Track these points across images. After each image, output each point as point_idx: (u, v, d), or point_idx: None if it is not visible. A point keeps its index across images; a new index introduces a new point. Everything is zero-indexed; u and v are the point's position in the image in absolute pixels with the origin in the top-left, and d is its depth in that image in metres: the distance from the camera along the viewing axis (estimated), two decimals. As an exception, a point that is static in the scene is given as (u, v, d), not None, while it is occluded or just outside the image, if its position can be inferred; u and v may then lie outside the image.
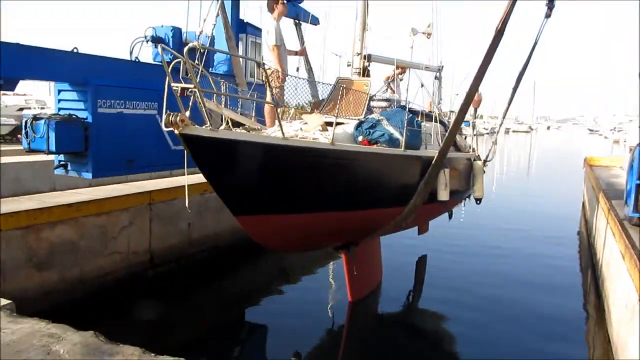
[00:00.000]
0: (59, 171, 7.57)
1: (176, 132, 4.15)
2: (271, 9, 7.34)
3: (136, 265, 8.00)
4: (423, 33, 9.74)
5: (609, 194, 9.57)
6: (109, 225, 7.54)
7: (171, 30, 8.60)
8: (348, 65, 8.36)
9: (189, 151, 4.36)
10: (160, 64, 8.34)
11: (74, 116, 7.15)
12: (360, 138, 6.02)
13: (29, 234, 6.43)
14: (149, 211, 8.23)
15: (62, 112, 7.32)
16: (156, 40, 8.48)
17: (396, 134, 6.08)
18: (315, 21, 9.02)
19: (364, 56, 8.27)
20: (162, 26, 8.67)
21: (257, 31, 10.72)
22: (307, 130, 5.96)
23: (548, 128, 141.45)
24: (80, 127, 7.14)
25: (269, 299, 8.47)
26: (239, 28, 10.18)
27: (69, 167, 7.50)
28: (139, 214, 8.07)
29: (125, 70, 7.94)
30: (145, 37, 8.51)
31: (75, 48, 7.26)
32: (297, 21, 9.63)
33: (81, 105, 7.28)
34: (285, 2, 7.24)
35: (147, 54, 8.76)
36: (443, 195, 6.69)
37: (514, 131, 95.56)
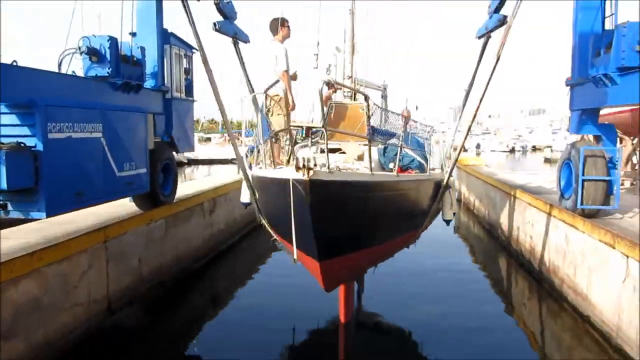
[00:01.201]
0: (-5, 213, 6.09)
1: (305, 177, 3.89)
2: (275, 31, 6.88)
3: (96, 315, 6.79)
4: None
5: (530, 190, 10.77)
6: (70, 273, 6.28)
7: (107, 41, 7.46)
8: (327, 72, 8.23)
9: (309, 196, 4.05)
10: (98, 79, 7.29)
11: (21, 144, 5.82)
12: (391, 165, 5.90)
13: (-8, 297, 5.08)
14: (104, 250, 7.05)
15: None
16: (92, 52, 7.31)
17: (418, 158, 6.12)
18: (247, 39, 8.56)
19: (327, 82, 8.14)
20: (94, 36, 7.48)
21: (180, 43, 9.86)
22: (346, 161, 5.71)
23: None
24: (30, 158, 5.84)
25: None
26: (163, 38, 9.22)
27: (10, 207, 6.07)
28: (96, 255, 6.86)
29: (71, 87, 6.71)
30: (79, 48, 7.28)
31: (15, 61, 5.92)
32: (235, 40, 9.07)
33: (25, 130, 5.94)
34: (288, 25, 6.85)
35: (76, 67, 7.50)
36: (448, 214, 6.88)
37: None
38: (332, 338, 7.47)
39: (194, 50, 10.43)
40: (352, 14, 8.15)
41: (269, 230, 6.84)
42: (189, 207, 9.93)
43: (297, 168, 3.92)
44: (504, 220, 12.11)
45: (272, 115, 6.76)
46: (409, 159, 5.98)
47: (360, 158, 5.75)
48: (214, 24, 6.99)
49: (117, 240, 7.34)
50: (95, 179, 6.93)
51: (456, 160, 6.48)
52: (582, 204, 7.84)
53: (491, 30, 7.53)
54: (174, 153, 9.70)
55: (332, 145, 6.59)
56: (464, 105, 8.45)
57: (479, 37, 8.52)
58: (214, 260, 10.86)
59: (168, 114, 9.45)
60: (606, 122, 8.57)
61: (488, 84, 6.05)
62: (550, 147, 50.15)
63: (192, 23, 6.12)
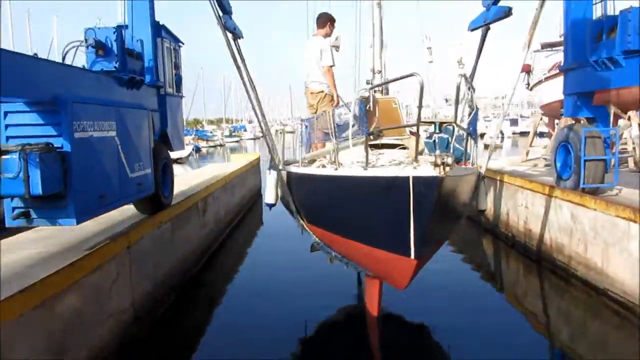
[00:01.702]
0: (18, 222, 5.53)
1: (442, 174, 3.81)
2: (323, 25, 6.71)
3: (127, 326, 6.35)
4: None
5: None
6: (102, 283, 5.83)
7: (114, 33, 6.97)
8: (367, 83, 8.15)
9: (437, 194, 3.97)
10: (107, 74, 6.80)
11: (50, 145, 5.31)
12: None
13: (44, 312, 4.61)
14: (128, 257, 6.60)
15: (14, 142, 5.35)
16: (99, 45, 6.81)
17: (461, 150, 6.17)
18: (242, 35, 8.31)
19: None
20: (99, 28, 6.96)
21: (170, 36, 9.39)
22: (409, 156, 5.66)
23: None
24: (58, 160, 5.35)
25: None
26: (155, 31, 8.73)
27: (34, 215, 5.54)
28: (122, 263, 6.41)
29: (89, 83, 6.23)
30: (85, 40, 6.75)
31: (35, 54, 5.40)
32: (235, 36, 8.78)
33: (50, 130, 5.45)
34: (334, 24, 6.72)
35: (80, 61, 6.96)
36: (483, 204, 7.01)
37: (280, 132, 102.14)
38: (356, 330, 7.42)
39: (180, 44, 10.02)
40: (380, 7, 8.08)
41: (308, 230, 6.70)
42: (188, 208, 9.52)
43: (436, 165, 3.84)
44: (489, 205, 12.50)
45: (316, 112, 6.66)
46: (460, 152, 6.03)
47: (421, 152, 5.72)
48: (219, 18, 6.75)
49: (138, 246, 6.90)
50: (113, 180, 6.48)
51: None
52: (584, 183, 8.25)
53: (491, 22, 7.71)
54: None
55: (388, 140, 6.54)
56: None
57: (473, 30, 8.68)
58: (210, 260, 10.53)
59: (163, 111, 9.01)
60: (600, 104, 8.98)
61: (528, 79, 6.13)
62: (484, 134, 52.34)
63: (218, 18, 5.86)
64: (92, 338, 5.43)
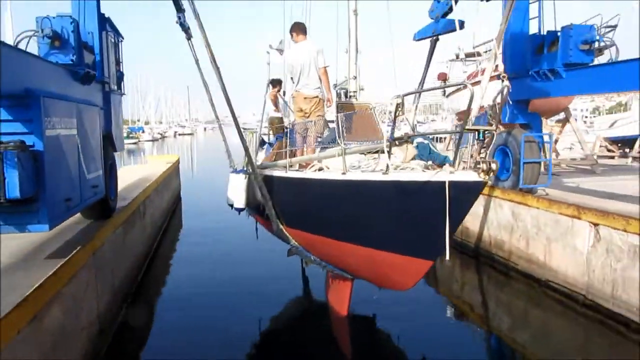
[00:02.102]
0: (-20, 230, 4.93)
1: (487, 179, 3.96)
2: (305, 32, 6.69)
3: (95, 338, 5.89)
4: (276, 49, 9.94)
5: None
6: (77, 293, 5.37)
7: (70, 23, 6.44)
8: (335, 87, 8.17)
9: (474, 198, 4.12)
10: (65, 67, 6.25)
11: (24, 144, 4.80)
12: (430, 162, 6.04)
13: (36, 326, 4.16)
14: (94, 264, 6.12)
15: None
16: (55, 36, 6.26)
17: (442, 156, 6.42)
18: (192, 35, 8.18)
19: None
20: (54, 17, 6.39)
21: (113, 30, 8.79)
22: (404, 161, 5.77)
23: (204, 130, 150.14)
24: (31, 160, 4.87)
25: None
26: (100, 24, 8.13)
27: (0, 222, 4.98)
28: (90, 270, 5.94)
29: (53, 76, 5.71)
30: (42, 30, 6.17)
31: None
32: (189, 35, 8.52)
33: (20, 127, 4.94)
34: None
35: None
36: None
37: (180, 134, 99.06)
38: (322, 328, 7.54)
39: (121, 38, 9.43)
40: (356, 14, 8.17)
41: (286, 234, 6.65)
42: (134, 211, 9.00)
43: (482, 170, 3.95)
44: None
45: (310, 116, 6.62)
46: (441, 157, 6.29)
47: (413, 157, 5.85)
48: (178, 17, 6.61)
49: (101, 252, 6.44)
50: (75, 182, 6.00)
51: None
52: (523, 183, 8.96)
53: (440, 34, 8.13)
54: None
55: (368, 146, 6.60)
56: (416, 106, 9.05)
57: (419, 40, 9.10)
58: (150, 265, 10.04)
59: (108, 109, 8.43)
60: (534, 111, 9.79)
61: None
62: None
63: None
64: (73, 351, 4.99)
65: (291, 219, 6.51)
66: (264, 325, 7.58)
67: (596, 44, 7.94)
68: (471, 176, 4.06)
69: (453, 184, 4.07)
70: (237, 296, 8.73)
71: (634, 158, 16.21)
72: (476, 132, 4.10)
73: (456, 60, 19.68)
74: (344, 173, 5.17)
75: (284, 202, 6.44)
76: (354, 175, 5.14)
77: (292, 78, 7.14)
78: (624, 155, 16.39)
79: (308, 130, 6.51)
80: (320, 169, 5.78)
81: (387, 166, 4.72)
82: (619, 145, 16.74)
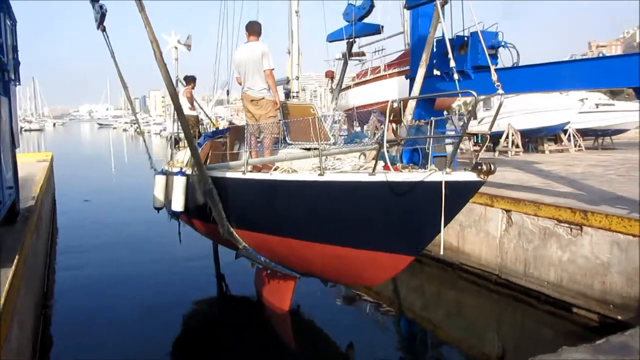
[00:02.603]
0: None
1: (484, 179, 4.15)
2: (258, 33, 6.45)
3: None
4: (184, 44, 9.68)
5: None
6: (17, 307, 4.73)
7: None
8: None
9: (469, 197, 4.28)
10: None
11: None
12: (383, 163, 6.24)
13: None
14: (25, 274, 5.40)
15: None
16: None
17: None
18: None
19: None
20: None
21: (9, 13, 7.76)
22: (367, 161, 5.89)
23: (54, 125, 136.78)
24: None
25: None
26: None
27: None
28: (23, 281, 5.24)
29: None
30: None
31: None
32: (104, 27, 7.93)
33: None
34: None
35: None
36: None
37: (26, 130, 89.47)
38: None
39: (15, 22, 8.37)
40: (298, 16, 8.05)
41: (238, 238, 6.51)
42: (39, 215, 8.08)
43: (482, 172, 4.13)
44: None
45: (261, 118, 6.46)
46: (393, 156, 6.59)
47: (374, 158, 6.00)
48: (100, 6, 6.37)
49: (28, 261, 5.72)
50: (-2, 183, 5.28)
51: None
52: (432, 176, 9.67)
53: (357, 37, 8.53)
54: None
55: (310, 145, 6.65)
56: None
57: (331, 41, 9.46)
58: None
59: (9, 100, 7.44)
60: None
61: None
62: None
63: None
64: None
65: (245, 221, 6.38)
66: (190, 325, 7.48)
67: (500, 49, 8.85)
68: (469, 176, 4.30)
69: (450, 183, 4.30)
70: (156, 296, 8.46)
71: (500, 152, 18.27)
72: (474, 136, 4.35)
73: (342, 59, 20.38)
74: (321, 174, 5.18)
75: (238, 205, 6.29)
76: (337, 177, 5.15)
77: (237, 78, 7.01)
78: (491, 150, 18.42)
79: (263, 132, 6.42)
80: (288, 171, 5.72)
81: (374, 168, 4.80)
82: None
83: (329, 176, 5.18)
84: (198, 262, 10.29)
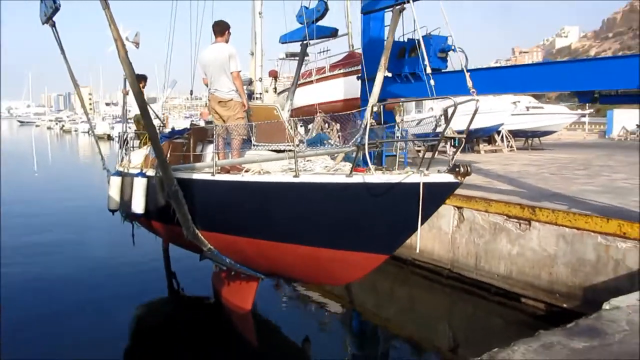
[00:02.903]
0: None
1: (460, 180, 4.36)
2: (222, 33, 6.50)
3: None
4: (132, 42, 9.47)
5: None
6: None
7: None
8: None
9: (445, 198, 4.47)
10: None
11: None
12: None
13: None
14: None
15: None
16: None
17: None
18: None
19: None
20: None
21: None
22: (337, 162, 5.97)
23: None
24: None
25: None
26: None
27: None
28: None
29: None
30: None
31: None
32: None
33: None
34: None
35: None
36: None
37: None
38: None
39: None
40: (261, 17, 7.96)
41: (203, 240, 6.41)
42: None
43: (458, 174, 4.30)
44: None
45: (229, 119, 6.37)
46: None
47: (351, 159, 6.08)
48: (54, 1, 6.12)
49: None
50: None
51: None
52: (384, 174, 9.96)
53: (312, 39, 8.67)
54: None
55: (277, 147, 6.66)
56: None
57: (284, 43, 9.58)
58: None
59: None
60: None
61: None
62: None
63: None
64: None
65: (212, 223, 6.31)
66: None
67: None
68: (447, 178, 4.47)
69: (428, 185, 4.45)
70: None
71: (439, 151, 18.95)
72: (452, 140, 4.49)
73: (285, 59, 20.45)
74: (296, 176, 5.20)
75: (205, 206, 6.21)
76: (314, 178, 5.19)
77: (203, 79, 6.92)
78: (430, 150, 19.10)
79: (231, 134, 6.36)
80: (260, 172, 5.71)
81: (352, 169, 4.88)
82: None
83: (304, 177, 5.21)
84: (152, 264, 10.01)
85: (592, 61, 8.19)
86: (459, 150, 4.63)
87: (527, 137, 21.62)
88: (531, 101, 21.04)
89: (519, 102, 18.83)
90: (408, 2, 7.74)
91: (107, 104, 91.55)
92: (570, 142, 26.76)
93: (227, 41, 6.63)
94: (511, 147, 20.37)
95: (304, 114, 18.11)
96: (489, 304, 7.96)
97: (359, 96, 13.05)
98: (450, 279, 8.70)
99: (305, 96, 17.63)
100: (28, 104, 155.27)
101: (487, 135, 20.22)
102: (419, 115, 21.90)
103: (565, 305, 6.95)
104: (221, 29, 6.62)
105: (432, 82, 5.70)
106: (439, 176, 4.48)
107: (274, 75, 20.56)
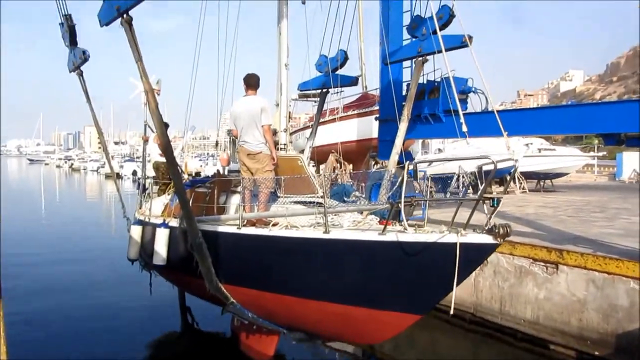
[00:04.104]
0: None
1: (500, 242, 4.30)
2: (255, 86, 6.71)
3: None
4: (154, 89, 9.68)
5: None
6: None
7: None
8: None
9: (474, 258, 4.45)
10: None
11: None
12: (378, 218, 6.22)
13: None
14: None
15: None
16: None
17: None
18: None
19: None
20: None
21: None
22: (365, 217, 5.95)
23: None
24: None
25: None
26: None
27: None
28: None
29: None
30: None
31: None
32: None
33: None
34: None
35: None
36: None
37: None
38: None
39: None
40: (287, 69, 8.10)
41: (226, 293, 6.32)
42: None
43: (497, 235, 4.22)
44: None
45: (256, 172, 6.38)
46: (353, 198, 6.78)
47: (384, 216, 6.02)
48: (84, 52, 6.28)
49: None
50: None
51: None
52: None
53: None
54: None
55: (303, 198, 6.64)
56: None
57: (302, 91, 9.75)
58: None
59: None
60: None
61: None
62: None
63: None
64: None
65: (236, 277, 6.21)
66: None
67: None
68: (485, 239, 4.37)
69: (465, 245, 4.34)
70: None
71: (451, 193, 18.90)
72: (491, 200, 4.37)
73: (298, 99, 20.68)
74: (326, 232, 5.12)
75: (230, 260, 6.11)
76: (344, 235, 5.10)
77: (229, 131, 6.95)
78: (441, 191, 19.04)
79: (259, 186, 6.34)
80: (287, 227, 5.62)
81: (385, 228, 4.81)
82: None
83: (334, 234, 5.12)
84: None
85: (599, 105, 8.23)
86: (496, 210, 4.44)
87: (539, 179, 21.55)
88: (543, 143, 21.08)
89: (531, 143, 18.84)
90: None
91: (116, 143, 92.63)
92: (581, 184, 26.66)
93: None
94: (523, 188, 20.28)
95: (317, 154, 18.25)
96: (515, 350, 7.72)
97: (372, 137, 13.15)
98: (473, 323, 8.47)
99: (319, 136, 17.75)
100: (38, 142, 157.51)
101: (499, 177, 20.18)
102: (425, 156, 21.93)
103: (597, 353, 6.73)
104: (255, 82, 6.67)
105: (462, 121, 5.58)
106: (477, 237, 4.38)
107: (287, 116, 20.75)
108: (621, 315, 6.48)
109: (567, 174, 22.84)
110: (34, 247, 15.68)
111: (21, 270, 11.80)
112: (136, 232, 7.39)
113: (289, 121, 20.13)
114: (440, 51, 6.68)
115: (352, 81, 10.32)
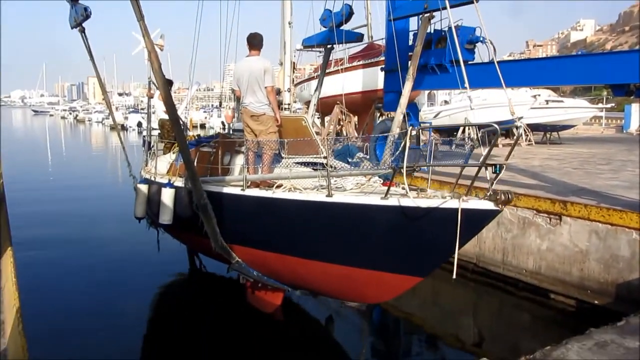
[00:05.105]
0: None
1: (502, 208, 4.31)
2: (259, 46, 6.47)
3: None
4: (157, 44, 9.48)
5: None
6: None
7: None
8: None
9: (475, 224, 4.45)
10: None
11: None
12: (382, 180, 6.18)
13: None
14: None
15: None
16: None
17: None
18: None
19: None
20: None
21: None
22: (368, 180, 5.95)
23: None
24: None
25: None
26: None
27: None
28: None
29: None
30: None
31: None
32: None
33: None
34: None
35: None
36: None
37: None
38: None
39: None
40: (291, 27, 7.87)
41: (231, 252, 6.37)
42: None
43: (499, 201, 4.23)
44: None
45: (261, 134, 6.31)
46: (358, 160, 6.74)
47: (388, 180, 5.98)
48: (85, 9, 6.18)
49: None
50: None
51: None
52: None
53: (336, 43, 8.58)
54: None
55: (305, 159, 6.62)
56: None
57: (306, 47, 9.40)
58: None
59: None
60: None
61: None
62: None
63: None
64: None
65: (240, 237, 6.27)
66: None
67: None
68: (486, 205, 4.37)
69: (466, 211, 4.34)
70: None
71: (457, 145, 18.79)
72: (493, 167, 4.32)
73: (302, 50, 20.32)
74: (329, 195, 5.11)
75: (234, 220, 6.13)
76: (347, 199, 5.09)
77: (232, 90, 6.82)
78: (447, 144, 18.93)
79: (262, 148, 6.30)
80: (291, 189, 5.61)
81: (388, 191, 4.79)
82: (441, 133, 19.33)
83: (337, 197, 5.13)
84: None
85: (608, 55, 8.04)
86: (499, 176, 4.38)
87: (546, 131, 21.36)
88: (550, 94, 20.75)
89: (539, 95, 18.57)
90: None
91: (120, 94, 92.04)
92: (587, 136, 26.42)
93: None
94: (529, 140, 20.13)
95: (322, 106, 18.08)
96: (516, 299, 7.88)
97: (377, 88, 12.98)
98: (475, 273, 8.61)
99: (324, 87, 17.54)
100: (42, 93, 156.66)
101: (506, 130, 20.03)
102: (429, 108, 21.63)
103: (596, 302, 6.85)
104: (258, 42, 6.51)
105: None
106: (479, 203, 4.38)
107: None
108: (622, 265, 6.56)
109: (574, 126, 22.60)
110: (45, 203, 15.83)
111: (30, 221, 12.00)
112: (142, 190, 7.42)
113: (293, 72, 19.96)
114: (445, 8, 6.56)
115: (357, 37, 10.08)
